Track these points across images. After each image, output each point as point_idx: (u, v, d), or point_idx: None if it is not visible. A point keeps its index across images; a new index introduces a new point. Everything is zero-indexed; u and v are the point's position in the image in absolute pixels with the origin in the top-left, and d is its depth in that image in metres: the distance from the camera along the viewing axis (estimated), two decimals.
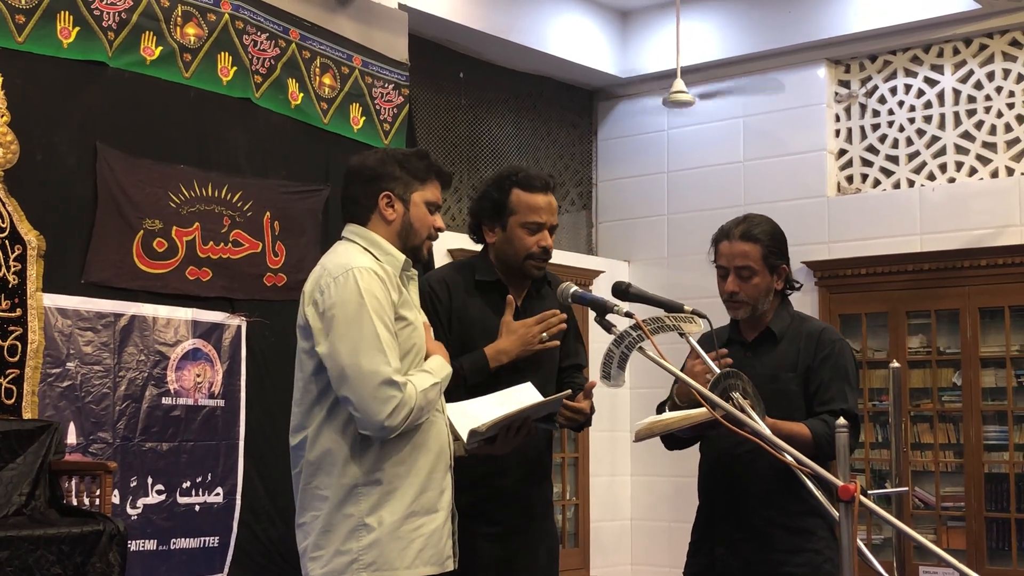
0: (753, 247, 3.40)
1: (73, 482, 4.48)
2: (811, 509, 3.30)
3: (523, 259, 3.36)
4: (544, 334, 3.27)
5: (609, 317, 2.95)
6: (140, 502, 4.97)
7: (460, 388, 3.17)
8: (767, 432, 2.56)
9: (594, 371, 3.09)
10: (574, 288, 3.13)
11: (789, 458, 2.51)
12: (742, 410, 2.78)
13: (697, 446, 3.55)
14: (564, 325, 3.35)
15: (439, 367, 2.90)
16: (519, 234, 3.35)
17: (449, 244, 6.54)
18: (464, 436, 2.98)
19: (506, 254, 3.38)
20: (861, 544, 2.29)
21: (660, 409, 3.44)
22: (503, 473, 3.28)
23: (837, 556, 3.33)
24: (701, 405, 3.18)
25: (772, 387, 3.24)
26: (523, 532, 3.35)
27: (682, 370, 2.99)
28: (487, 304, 3.37)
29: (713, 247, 3.50)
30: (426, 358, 2.92)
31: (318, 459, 2.82)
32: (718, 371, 2.96)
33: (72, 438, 4.73)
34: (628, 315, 2.94)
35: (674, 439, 3.45)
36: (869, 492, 2.26)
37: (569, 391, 3.28)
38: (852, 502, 2.16)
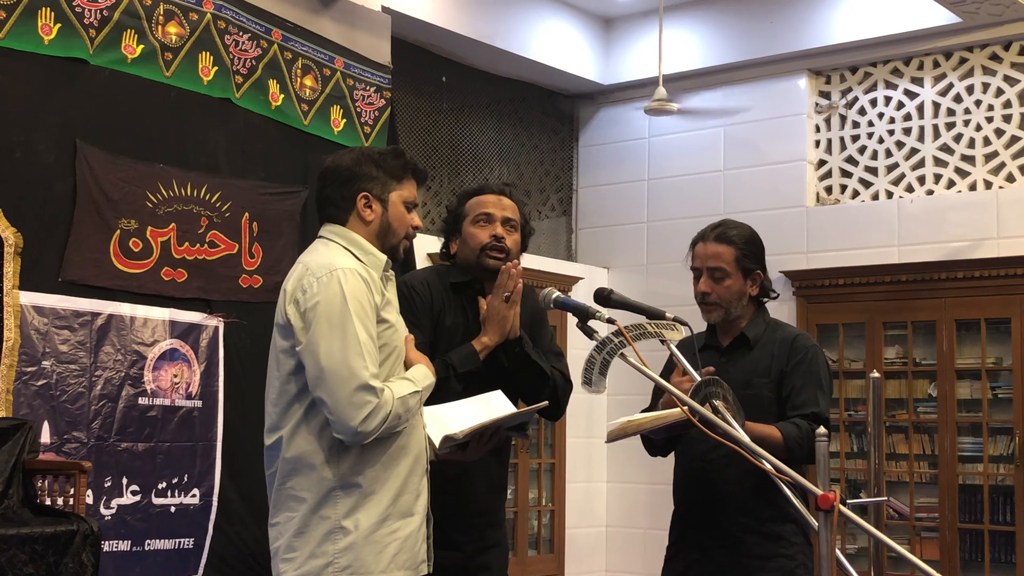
0: (726, 249, 3.43)
1: (47, 481, 4.44)
2: (785, 515, 3.31)
3: (479, 254, 3.39)
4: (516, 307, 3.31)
5: (591, 323, 2.95)
6: (114, 502, 4.93)
7: (451, 378, 3.19)
8: (745, 438, 2.56)
9: (575, 375, 3.09)
10: (556, 294, 3.12)
11: (768, 465, 2.51)
12: (722, 417, 2.78)
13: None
14: (520, 278, 3.34)
15: (422, 376, 2.88)
16: (471, 231, 3.41)
17: (429, 248, 6.52)
18: (437, 441, 2.97)
19: (465, 255, 3.43)
20: (839, 553, 2.30)
21: None
22: (460, 480, 3.26)
23: (810, 562, 3.35)
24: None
25: (745, 392, 3.25)
26: (476, 540, 3.33)
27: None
28: (464, 303, 3.41)
29: (690, 251, 3.53)
30: (408, 367, 2.91)
31: (294, 460, 2.79)
32: (699, 378, 2.96)
33: (46, 437, 4.69)
34: (610, 321, 2.94)
35: (656, 446, 3.46)
36: (847, 501, 2.26)
37: (545, 403, 3.27)
38: (832, 511, 2.16)
